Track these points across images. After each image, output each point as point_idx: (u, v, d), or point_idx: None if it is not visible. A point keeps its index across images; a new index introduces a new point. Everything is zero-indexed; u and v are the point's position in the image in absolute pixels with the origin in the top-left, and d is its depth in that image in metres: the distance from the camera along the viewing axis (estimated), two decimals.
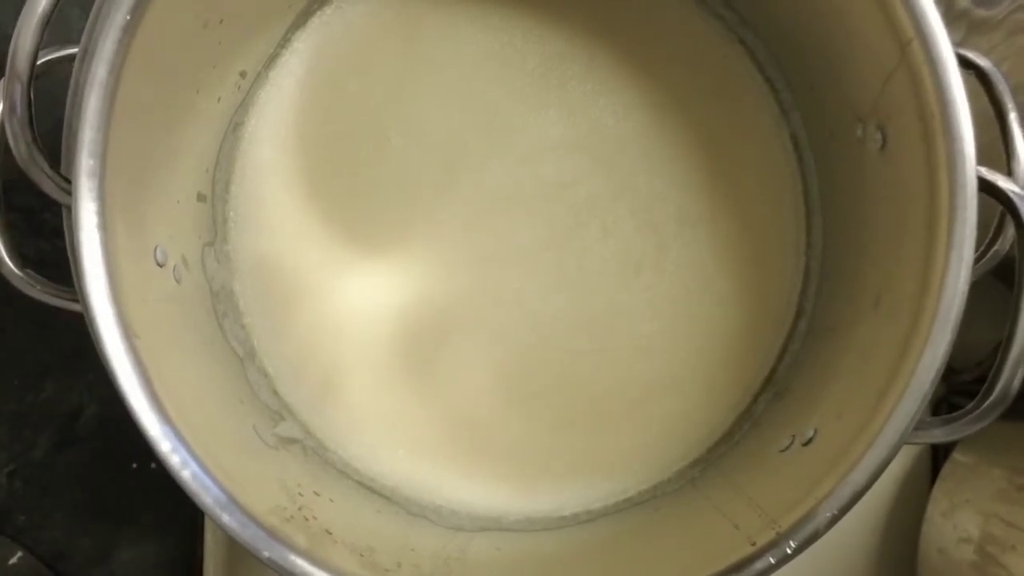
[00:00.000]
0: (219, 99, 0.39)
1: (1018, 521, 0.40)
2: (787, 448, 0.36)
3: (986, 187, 0.31)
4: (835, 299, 0.40)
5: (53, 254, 0.48)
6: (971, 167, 0.30)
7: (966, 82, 0.31)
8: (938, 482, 0.46)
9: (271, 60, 0.41)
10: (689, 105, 0.41)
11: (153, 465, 0.49)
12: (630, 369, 0.41)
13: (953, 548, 0.43)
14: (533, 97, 0.41)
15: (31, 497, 0.50)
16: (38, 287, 0.33)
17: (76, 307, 0.31)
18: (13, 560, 0.49)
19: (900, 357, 0.31)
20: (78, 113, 0.30)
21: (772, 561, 0.30)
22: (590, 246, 0.41)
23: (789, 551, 0.30)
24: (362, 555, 0.33)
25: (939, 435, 0.32)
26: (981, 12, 0.43)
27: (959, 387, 0.47)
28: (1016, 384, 0.31)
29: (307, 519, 0.33)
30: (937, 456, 0.48)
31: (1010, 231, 0.34)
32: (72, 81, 0.32)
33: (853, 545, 0.48)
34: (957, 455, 0.46)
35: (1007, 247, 0.34)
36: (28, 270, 0.33)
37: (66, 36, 0.46)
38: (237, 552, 0.46)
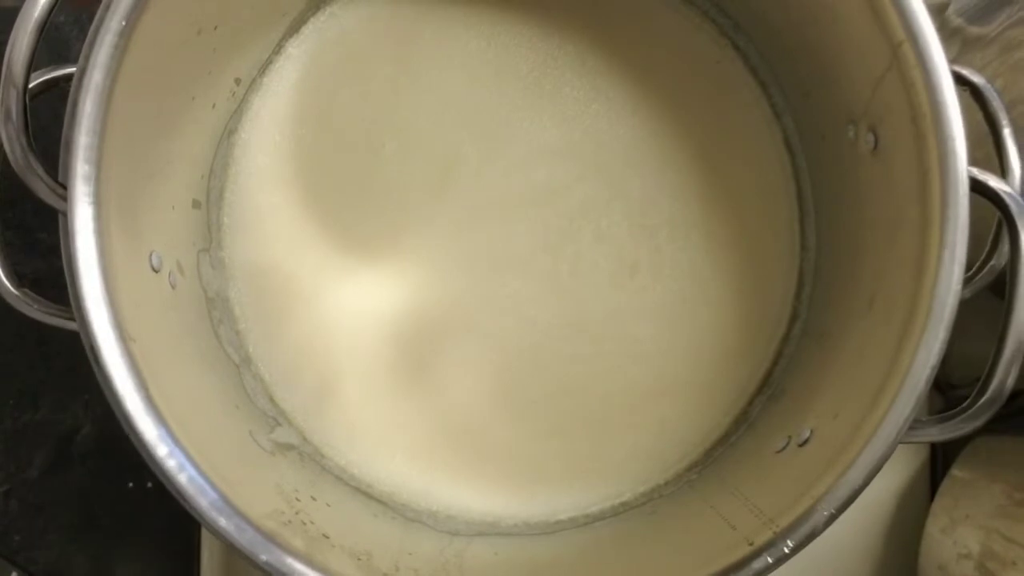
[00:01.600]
0: (214, 106, 0.39)
1: (1018, 537, 0.40)
2: (783, 449, 0.36)
3: (977, 187, 0.31)
4: (829, 301, 0.40)
5: (49, 273, 0.48)
6: (962, 166, 0.31)
7: (960, 99, 0.31)
8: (937, 498, 0.46)
9: (266, 66, 0.41)
10: (683, 109, 0.42)
11: (149, 484, 0.49)
12: (625, 373, 0.41)
13: (953, 565, 0.43)
14: (527, 102, 0.41)
15: (26, 517, 0.50)
16: (35, 306, 0.33)
17: (72, 326, 0.31)
18: None
19: (895, 356, 0.31)
20: (71, 121, 0.30)
21: (770, 560, 0.30)
22: (584, 251, 0.41)
23: (787, 550, 0.30)
24: (359, 559, 0.33)
25: (934, 433, 0.32)
26: (974, 29, 0.44)
27: (957, 403, 0.47)
28: (1010, 382, 0.31)
29: (304, 523, 0.33)
30: (935, 472, 0.48)
31: (1005, 247, 0.34)
32: (70, 100, 0.32)
33: (852, 563, 0.47)
34: (956, 471, 0.46)
35: (1003, 262, 0.34)
36: (25, 289, 0.33)
37: (64, 56, 0.46)
38: (234, 572, 0.46)
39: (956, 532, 0.43)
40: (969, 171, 0.31)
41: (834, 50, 0.35)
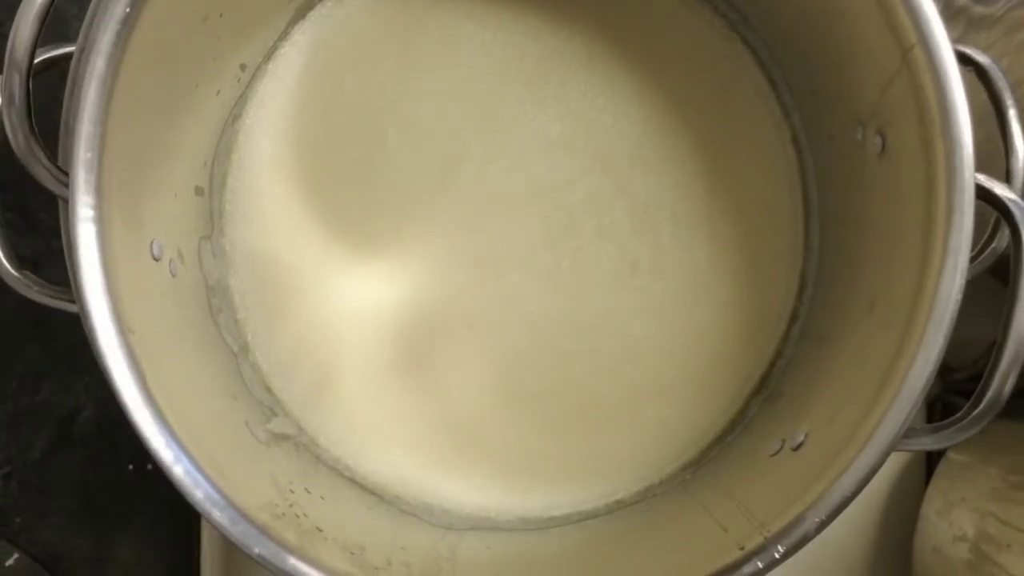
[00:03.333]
0: (218, 92, 0.39)
1: (1013, 519, 0.40)
2: (777, 452, 0.36)
3: (983, 194, 0.31)
4: (830, 303, 0.40)
5: (50, 255, 0.49)
6: (969, 173, 0.30)
7: (965, 79, 0.31)
8: (933, 481, 0.46)
9: (270, 53, 0.41)
10: (689, 105, 0.41)
11: (149, 467, 0.49)
12: (624, 371, 0.41)
13: (948, 547, 0.43)
14: (532, 95, 0.41)
15: (27, 499, 0.50)
16: (35, 288, 0.33)
17: (73, 308, 0.31)
18: (9, 562, 0.49)
19: (893, 362, 0.31)
20: (76, 107, 0.30)
21: (760, 566, 0.30)
22: (586, 247, 0.41)
23: (777, 556, 0.30)
24: (352, 553, 0.33)
25: (929, 443, 0.32)
26: (979, 9, 0.43)
27: (955, 386, 0.47)
28: (1006, 392, 0.31)
29: (298, 516, 0.33)
30: (931, 455, 0.48)
31: (1007, 229, 0.33)
32: (69, 80, 0.32)
33: (848, 544, 0.48)
34: (952, 453, 0.46)
35: (1004, 245, 0.34)
36: (25, 271, 0.33)
37: (63, 34, 0.46)
38: (234, 554, 0.46)
39: (952, 515, 0.43)
40: (976, 178, 0.31)
41: (843, 50, 0.35)
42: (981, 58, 0.33)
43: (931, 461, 0.48)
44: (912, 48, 0.31)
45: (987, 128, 0.33)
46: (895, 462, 0.48)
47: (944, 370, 0.45)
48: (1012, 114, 0.33)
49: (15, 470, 0.50)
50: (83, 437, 0.50)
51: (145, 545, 0.50)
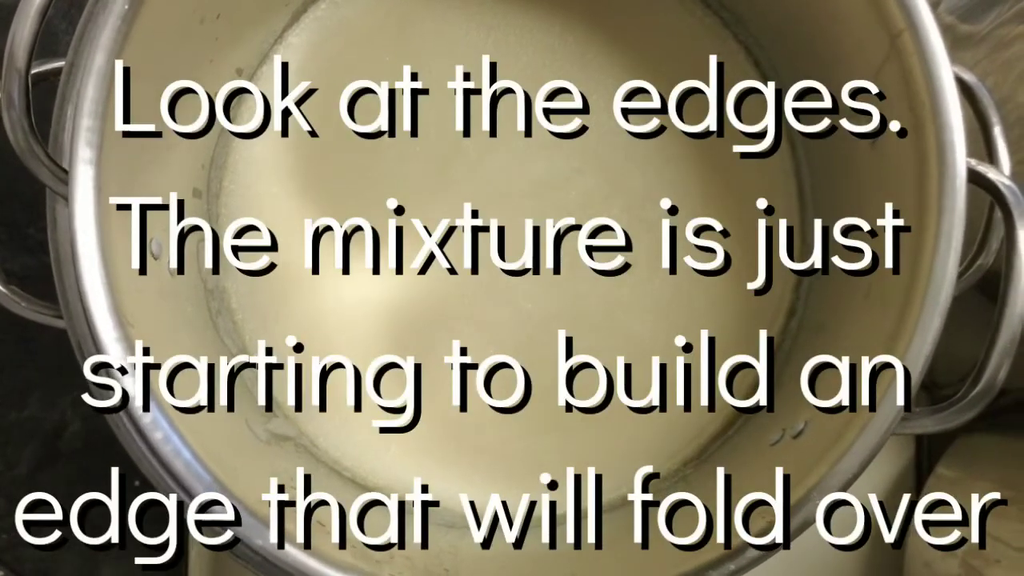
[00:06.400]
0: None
1: (1002, 534, 0.40)
2: (777, 441, 0.36)
3: (975, 178, 0.32)
4: (826, 294, 0.40)
5: (38, 270, 0.48)
6: (960, 156, 0.31)
7: None
8: (922, 495, 0.46)
9: (266, 57, 0.41)
10: (684, 103, 0.41)
11: (137, 482, 0.49)
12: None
13: (938, 562, 0.43)
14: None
15: (14, 515, 0.50)
16: (23, 304, 0.33)
17: (60, 324, 0.31)
18: None
19: (890, 345, 0.31)
20: (74, 105, 0.30)
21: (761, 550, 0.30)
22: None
23: (780, 540, 0.30)
24: (354, 547, 0.33)
25: (928, 424, 0.32)
26: (965, 27, 0.44)
27: (943, 401, 0.47)
28: (1003, 374, 0.31)
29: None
30: (921, 470, 0.49)
31: (994, 245, 0.34)
32: (58, 95, 0.32)
33: (839, 559, 0.47)
34: (941, 469, 0.46)
35: (991, 261, 0.34)
36: (12, 286, 0.33)
37: (53, 50, 0.46)
38: (222, 570, 0.46)
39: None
40: (967, 162, 0.31)
41: (832, 41, 0.36)
42: (967, 76, 0.34)
43: (921, 476, 0.48)
44: (901, 34, 0.32)
45: (972, 146, 0.33)
46: (885, 476, 0.48)
47: (932, 386, 0.46)
48: (997, 131, 0.34)
49: (1, 486, 0.49)
50: (70, 452, 0.50)
51: (132, 562, 0.49)
